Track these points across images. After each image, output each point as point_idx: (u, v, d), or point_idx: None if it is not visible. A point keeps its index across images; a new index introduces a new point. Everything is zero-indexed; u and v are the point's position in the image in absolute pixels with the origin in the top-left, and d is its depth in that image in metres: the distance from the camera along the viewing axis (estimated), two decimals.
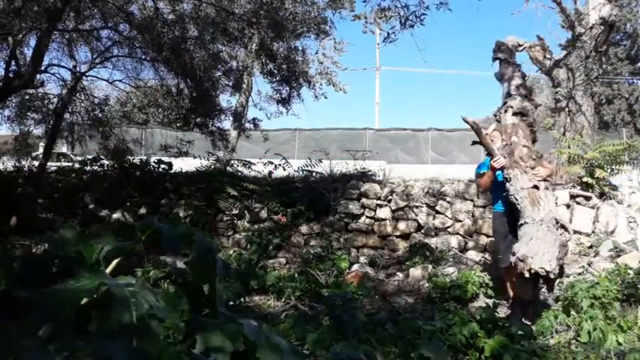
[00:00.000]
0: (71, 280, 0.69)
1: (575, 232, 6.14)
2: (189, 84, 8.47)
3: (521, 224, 3.94)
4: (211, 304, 0.84)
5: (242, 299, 4.23)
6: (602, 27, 7.33)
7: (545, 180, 4.23)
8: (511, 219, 4.27)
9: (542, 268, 3.51)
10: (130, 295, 0.68)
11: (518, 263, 3.66)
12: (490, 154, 4.47)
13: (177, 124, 9.93)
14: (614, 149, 6.60)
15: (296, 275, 5.34)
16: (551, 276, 3.58)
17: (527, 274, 3.61)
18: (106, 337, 0.64)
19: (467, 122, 4.50)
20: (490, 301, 4.43)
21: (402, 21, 5.35)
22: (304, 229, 6.72)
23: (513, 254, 3.93)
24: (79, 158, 9.00)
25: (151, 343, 0.66)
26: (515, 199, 4.07)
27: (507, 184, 4.19)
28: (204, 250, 0.87)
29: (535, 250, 3.62)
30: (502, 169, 4.28)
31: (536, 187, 4.09)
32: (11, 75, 6.91)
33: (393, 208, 6.70)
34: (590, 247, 5.89)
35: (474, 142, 4.69)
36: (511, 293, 4.37)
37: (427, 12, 5.29)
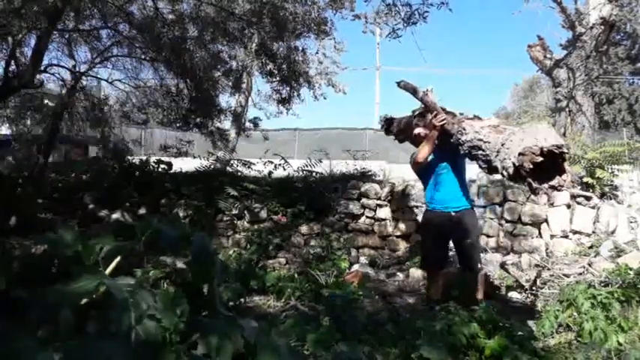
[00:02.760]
0: (70, 281, 0.69)
1: (576, 232, 6.14)
2: (188, 84, 8.47)
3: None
4: (210, 305, 0.84)
5: (242, 299, 4.23)
6: (602, 27, 7.34)
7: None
8: (442, 228, 4.23)
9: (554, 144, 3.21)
10: (128, 295, 0.67)
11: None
12: (430, 111, 4.17)
13: (177, 124, 9.93)
14: (614, 149, 6.60)
15: (296, 275, 5.34)
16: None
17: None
18: (105, 337, 0.64)
19: (400, 86, 4.34)
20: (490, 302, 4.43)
21: (406, 18, 5.36)
22: (304, 229, 6.71)
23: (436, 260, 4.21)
24: None
25: (150, 344, 0.65)
26: (480, 140, 3.65)
27: (463, 137, 3.80)
28: (202, 250, 0.86)
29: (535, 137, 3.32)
30: (442, 128, 3.97)
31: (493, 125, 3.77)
32: (11, 75, 6.91)
33: (393, 208, 6.69)
34: (591, 247, 5.89)
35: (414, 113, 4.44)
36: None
37: (429, 10, 5.30)
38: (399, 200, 6.68)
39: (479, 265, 4.57)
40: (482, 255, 5.90)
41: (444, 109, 4.15)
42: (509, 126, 3.72)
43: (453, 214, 4.22)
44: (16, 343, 0.61)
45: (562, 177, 3.29)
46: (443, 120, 3.98)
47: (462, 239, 4.27)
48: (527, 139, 3.28)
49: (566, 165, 3.37)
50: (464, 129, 3.82)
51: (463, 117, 4.02)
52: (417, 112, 4.55)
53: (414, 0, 5.31)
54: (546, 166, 3.24)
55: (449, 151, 4.20)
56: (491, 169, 3.61)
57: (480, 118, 3.97)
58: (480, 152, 3.64)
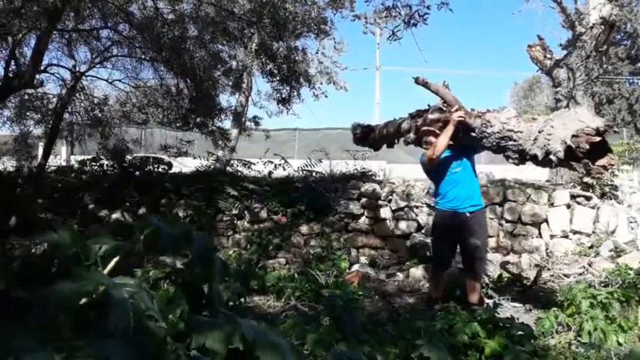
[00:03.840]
0: (69, 281, 0.69)
1: (576, 232, 6.14)
2: (188, 84, 8.47)
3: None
4: (210, 305, 0.84)
5: (242, 299, 4.23)
6: (602, 27, 7.33)
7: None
8: (451, 228, 4.20)
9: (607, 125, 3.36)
10: (127, 295, 0.68)
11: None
12: (448, 104, 4.10)
13: (177, 124, 9.92)
14: (614, 149, 6.60)
15: (296, 275, 5.34)
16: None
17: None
18: (105, 338, 0.64)
19: (418, 82, 4.29)
20: (491, 302, 4.42)
21: (406, 20, 5.35)
22: (304, 229, 6.71)
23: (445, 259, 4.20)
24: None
25: (149, 344, 0.65)
26: (511, 131, 3.64)
27: (489, 129, 3.78)
28: (202, 250, 0.86)
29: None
30: (460, 123, 3.90)
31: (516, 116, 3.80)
32: (11, 75, 6.91)
33: (393, 208, 6.69)
34: (591, 247, 5.89)
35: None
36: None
37: (429, 11, 5.29)
38: (399, 200, 6.68)
39: (482, 268, 4.56)
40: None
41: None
42: (538, 116, 3.81)
43: (468, 214, 4.15)
44: (16, 343, 0.61)
45: (609, 156, 3.39)
46: (462, 115, 3.90)
47: (471, 240, 4.23)
48: (571, 123, 3.38)
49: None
50: (488, 121, 3.79)
51: (476, 111, 4.01)
52: (413, 114, 4.52)
53: (414, 0, 5.31)
54: (592, 148, 3.34)
55: (463, 148, 4.17)
56: (523, 158, 3.66)
57: (491, 111, 3.99)
58: (511, 143, 3.68)
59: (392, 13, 5.38)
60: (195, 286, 0.86)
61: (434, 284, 4.59)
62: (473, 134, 3.92)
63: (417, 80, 4.32)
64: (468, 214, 4.15)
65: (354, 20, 6.40)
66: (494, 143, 3.79)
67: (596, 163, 3.35)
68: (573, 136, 3.31)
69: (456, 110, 3.94)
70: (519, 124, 3.69)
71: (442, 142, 3.96)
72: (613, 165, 3.43)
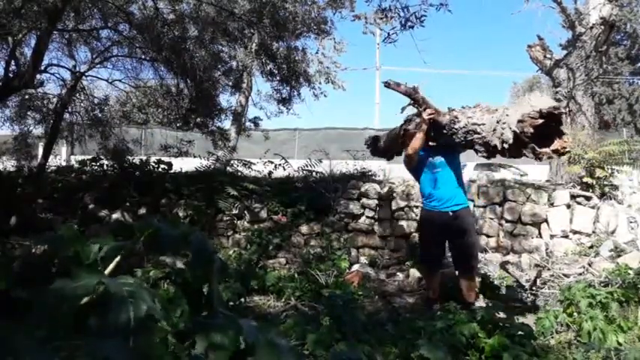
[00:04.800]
0: (69, 281, 0.69)
1: (576, 232, 6.14)
2: (189, 84, 8.48)
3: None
4: (210, 305, 0.84)
5: (242, 299, 4.23)
6: (602, 27, 7.33)
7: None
8: (439, 227, 4.23)
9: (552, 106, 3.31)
10: (128, 295, 0.68)
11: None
12: (417, 104, 4.19)
13: (177, 124, 9.93)
14: (614, 149, 6.60)
15: (296, 275, 5.34)
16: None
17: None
18: (105, 337, 0.64)
19: (388, 86, 4.31)
20: (490, 302, 4.43)
21: (403, 22, 5.35)
22: (304, 229, 6.71)
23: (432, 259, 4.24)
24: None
25: (150, 344, 0.66)
26: (475, 124, 3.70)
27: (456, 125, 3.85)
28: (201, 250, 0.86)
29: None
30: (430, 121, 4.01)
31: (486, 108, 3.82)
32: (11, 75, 6.92)
33: (393, 208, 6.69)
34: (591, 247, 5.89)
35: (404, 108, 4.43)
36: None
37: (427, 13, 5.29)
38: (399, 200, 6.68)
39: (477, 266, 4.58)
40: (480, 255, 5.91)
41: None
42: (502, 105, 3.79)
43: (451, 213, 4.21)
44: (16, 343, 0.61)
45: (562, 139, 3.33)
46: (432, 113, 4.02)
47: (459, 239, 4.26)
48: (523, 109, 3.34)
49: (563, 128, 3.39)
50: (456, 117, 3.86)
51: (454, 109, 4.08)
52: (406, 119, 4.59)
53: (412, 1, 5.31)
54: (546, 133, 3.29)
55: (443, 147, 4.23)
56: (489, 151, 3.65)
57: (469, 107, 4.03)
58: (476, 136, 3.69)
59: (388, 15, 5.38)
60: (195, 287, 0.86)
61: (428, 285, 4.63)
62: (444, 131, 4.00)
63: (387, 84, 4.41)
64: (451, 213, 4.21)
65: (354, 20, 6.39)
66: (462, 138, 3.84)
67: (550, 148, 3.33)
68: (519, 121, 3.27)
69: (424, 109, 4.06)
70: (483, 116, 3.70)
71: (415, 141, 4.13)
72: (566, 148, 3.35)
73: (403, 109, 4.42)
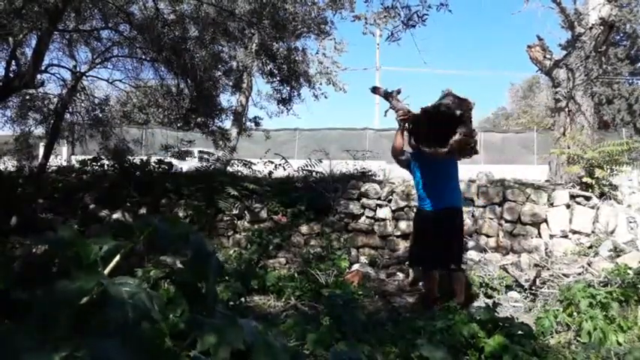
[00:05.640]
0: (69, 281, 0.69)
1: (575, 232, 6.14)
2: (189, 84, 8.48)
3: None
4: (208, 304, 0.84)
5: (242, 299, 4.23)
6: (601, 27, 7.33)
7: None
8: (434, 224, 4.32)
9: None
10: (127, 295, 0.68)
11: None
12: (395, 109, 4.48)
13: (178, 124, 9.93)
14: (613, 149, 6.60)
15: (296, 275, 5.34)
16: None
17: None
18: (104, 337, 0.64)
19: (375, 92, 4.84)
20: (490, 301, 4.43)
21: (405, 21, 5.36)
22: (304, 229, 6.71)
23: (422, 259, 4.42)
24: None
25: (149, 343, 0.66)
26: (447, 107, 4.02)
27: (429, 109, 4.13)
28: (199, 249, 0.87)
29: None
30: (407, 119, 4.28)
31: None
32: (12, 75, 6.92)
33: (393, 207, 6.69)
34: (590, 247, 5.89)
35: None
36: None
37: (428, 13, 5.30)
38: (399, 200, 6.68)
39: (461, 266, 4.62)
40: (480, 255, 5.92)
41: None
42: None
43: (439, 211, 4.29)
44: (16, 343, 0.61)
45: (458, 132, 3.86)
46: (402, 115, 4.32)
47: (445, 238, 4.29)
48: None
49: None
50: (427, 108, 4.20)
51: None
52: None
53: (413, 1, 5.32)
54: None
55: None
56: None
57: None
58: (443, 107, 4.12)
59: (391, 13, 5.40)
60: (194, 286, 0.86)
61: (425, 285, 4.65)
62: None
63: (373, 90, 4.78)
64: (438, 212, 4.30)
65: (354, 21, 6.40)
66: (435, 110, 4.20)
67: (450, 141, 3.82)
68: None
69: (396, 112, 4.37)
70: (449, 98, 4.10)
71: (394, 142, 4.46)
72: (470, 139, 3.89)
73: (386, 112, 4.68)
